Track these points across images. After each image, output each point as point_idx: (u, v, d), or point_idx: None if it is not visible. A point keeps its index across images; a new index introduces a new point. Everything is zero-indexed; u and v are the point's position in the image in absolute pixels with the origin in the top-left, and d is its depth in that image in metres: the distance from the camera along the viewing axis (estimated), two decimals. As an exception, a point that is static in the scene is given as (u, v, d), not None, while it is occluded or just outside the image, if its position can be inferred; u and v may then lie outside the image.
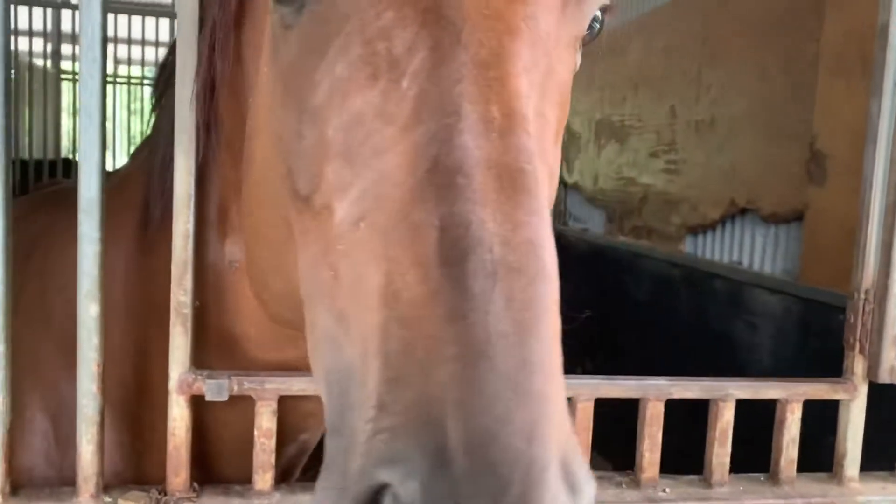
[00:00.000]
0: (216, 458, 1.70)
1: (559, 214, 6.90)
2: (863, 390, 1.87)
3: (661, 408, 1.74)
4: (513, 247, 0.86)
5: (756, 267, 4.87)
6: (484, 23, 0.99)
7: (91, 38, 1.47)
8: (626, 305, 5.24)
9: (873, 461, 1.93)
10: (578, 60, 1.25)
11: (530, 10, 1.04)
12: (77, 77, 9.98)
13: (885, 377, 1.83)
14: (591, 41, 1.26)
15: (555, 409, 0.81)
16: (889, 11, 1.79)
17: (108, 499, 1.53)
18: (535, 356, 0.82)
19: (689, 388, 1.77)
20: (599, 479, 1.74)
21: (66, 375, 1.71)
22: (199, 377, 1.54)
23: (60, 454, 1.73)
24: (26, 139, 8.97)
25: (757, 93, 4.82)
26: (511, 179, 0.91)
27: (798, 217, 4.59)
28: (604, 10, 1.23)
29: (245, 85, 1.43)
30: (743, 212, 4.97)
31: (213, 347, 1.61)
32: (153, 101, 1.92)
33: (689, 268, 4.76)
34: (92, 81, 1.47)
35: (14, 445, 1.53)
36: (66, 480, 1.66)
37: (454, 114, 0.93)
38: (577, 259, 5.81)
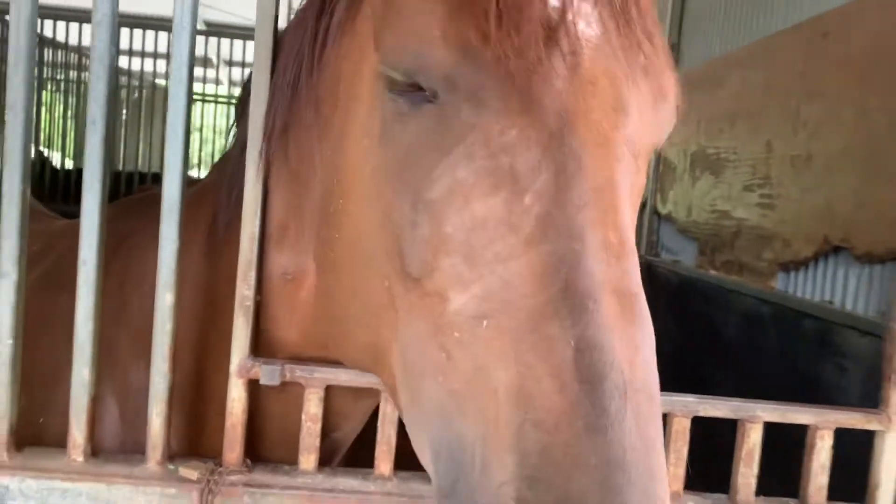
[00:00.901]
0: (259, 448, 1.83)
1: (651, 245, 6.86)
2: (899, 423, 1.87)
3: (686, 424, 1.80)
4: (636, 368, 1.02)
5: (848, 307, 4.71)
6: (598, 151, 1.11)
7: (180, 62, 1.65)
8: (713, 340, 5.16)
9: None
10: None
11: (629, 132, 1.16)
12: (198, 98, 10.73)
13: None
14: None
15: None
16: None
17: (171, 466, 1.71)
18: (658, 466, 0.99)
19: (716, 407, 1.82)
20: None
21: (135, 363, 1.89)
22: (256, 363, 1.71)
23: (125, 432, 1.90)
24: (156, 154, 9.70)
25: (856, 129, 4.70)
26: (630, 304, 1.06)
27: (894, 257, 4.42)
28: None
29: (317, 124, 1.52)
30: (836, 250, 4.83)
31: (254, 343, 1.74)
32: (234, 119, 2.02)
33: (778, 305, 4.66)
34: (178, 101, 1.65)
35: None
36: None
37: (579, 238, 1.06)
38: (665, 291, 5.78)
